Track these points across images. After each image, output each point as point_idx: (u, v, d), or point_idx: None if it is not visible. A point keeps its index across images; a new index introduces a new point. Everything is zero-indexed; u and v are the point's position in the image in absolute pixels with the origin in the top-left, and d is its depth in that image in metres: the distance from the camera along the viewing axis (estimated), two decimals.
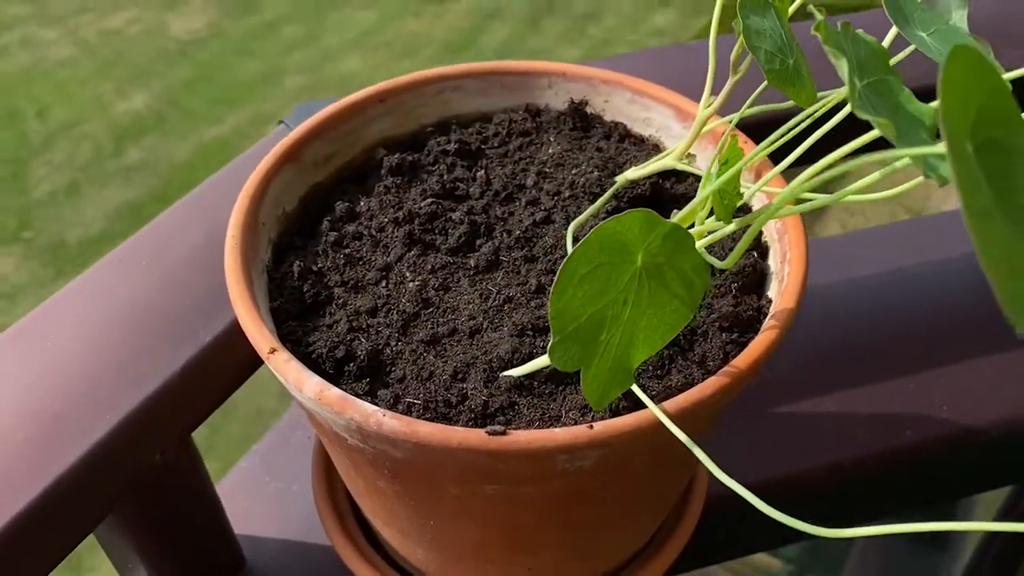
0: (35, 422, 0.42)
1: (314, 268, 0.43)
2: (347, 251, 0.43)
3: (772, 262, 0.42)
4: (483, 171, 0.47)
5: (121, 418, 0.42)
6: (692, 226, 0.37)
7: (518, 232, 0.44)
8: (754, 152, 0.34)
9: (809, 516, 0.61)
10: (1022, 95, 0.27)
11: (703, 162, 0.47)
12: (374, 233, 0.44)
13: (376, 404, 0.37)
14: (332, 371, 0.38)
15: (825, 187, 0.31)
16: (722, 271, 0.42)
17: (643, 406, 0.33)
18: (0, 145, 3.28)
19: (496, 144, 0.49)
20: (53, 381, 0.43)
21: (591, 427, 0.33)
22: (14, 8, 3.90)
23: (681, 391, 0.35)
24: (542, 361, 0.37)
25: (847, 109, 0.28)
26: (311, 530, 0.56)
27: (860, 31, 0.26)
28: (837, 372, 0.64)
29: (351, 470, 0.41)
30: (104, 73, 3.56)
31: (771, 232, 0.43)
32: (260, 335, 0.37)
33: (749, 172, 0.42)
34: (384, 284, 0.42)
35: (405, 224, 0.44)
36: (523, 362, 0.38)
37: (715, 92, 0.41)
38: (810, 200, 0.32)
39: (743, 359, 0.36)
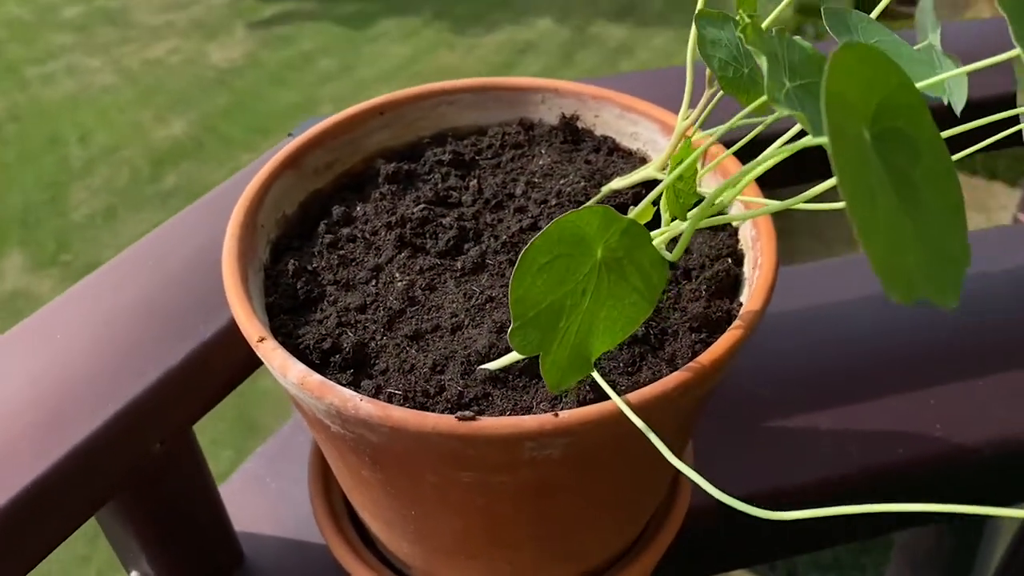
0: (40, 408, 0.44)
1: (309, 267, 0.45)
2: (341, 252, 0.46)
3: (746, 268, 0.44)
4: (476, 180, 0.49)
5: (121, 407, 0.44)
6: (659, 224, 0.39)
7: (504, 237, 0.45)
8: (703, 147, 0.36)
9: (796, 531, 0.63)
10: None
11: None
12: (368, 236, 0.46)
13: (358, 392, 0.39)
14: (319, 362, 0.40)
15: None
16: (696, 275, 0.43)
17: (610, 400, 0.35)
18: (42, 169, 3.37)
19: (490, 155, 0.51)
20: (58, 372, 0.46)
21: (556, 415, 0.35)
22: (61, 37, 4.03)
23: None
24: (517, 355, 0.38)
25: None
26: (310, 530, 0.58)
27: (798, 38, 0.28)
28: (833, 389, 0.65)
29: (338, 460, 0.43)
30: (144, 100, 3.65)
31: (746, 239, 0.44)
32: (250, 325, 0.39)
33: (716, 175, 0.44)
34: (374, 283, 0.44)
35: (397, 228, 0.46)
36: (500, 357, 0.39)
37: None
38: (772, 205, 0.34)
39: (707, 356, 0.37)
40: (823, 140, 0.22)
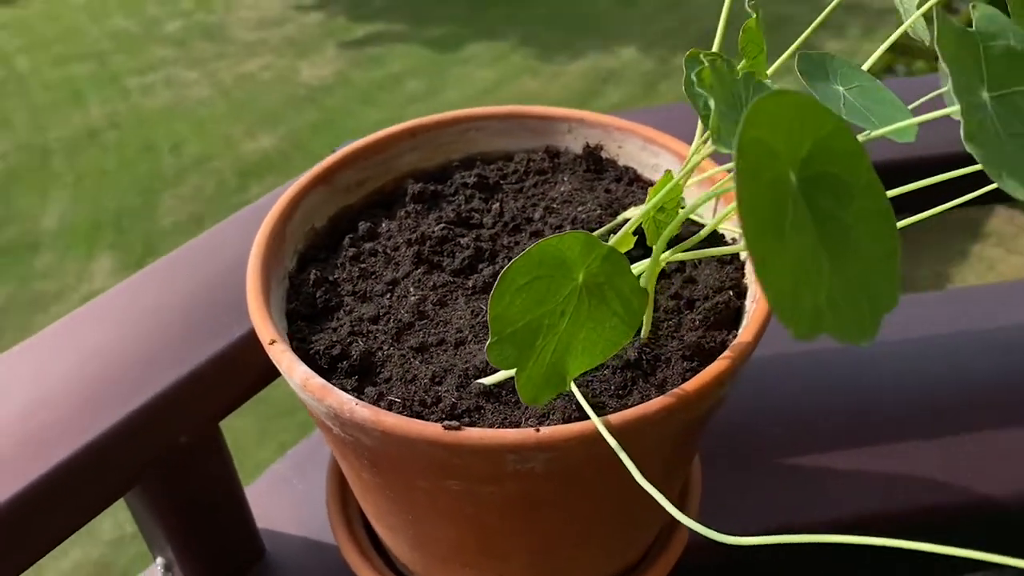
0: (83, 391, 0.47)
1: (330, 278, 0.47)
2: (362, 265, 0.48)
3: (747, 301, 0.45)
4: (498, 203, 0.51)
5: (151, 396, 0.47)
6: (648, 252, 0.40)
7: None
8: (675, 179, 0.37)
9: (800, 571, 0.62)
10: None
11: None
12: (388, 251, 0.49)
13: (361, 399, 0.41)
14: (326, 367, 0.43)
15: None
16: (699, 306, 0.44)
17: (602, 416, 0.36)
18: (137, 176, 3.51)
19: (514, 180, 0.53)
20: (102, 360, 0.49)
21: (538, 430, 0.36)
22: (162, 50, 4.20)
23: None
24: (510, 372, 0.40)
25: None
26: (329, 531, 0.60)
27: (768, 82, 0.29)
28: (854, 429, 0.65)
29: (343, 461, 0.46)
30: (236, 114, 3.79)
31: (750, 273, 0.45)
32: (264, 327, 0.41)
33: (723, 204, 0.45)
34: (388, 296, 0.46)
35: (416, 245, 0.48)
36: (496, 372, 0.41)
37: None
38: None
39: (692, 383, 0.38)
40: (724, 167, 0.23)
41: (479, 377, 0.41)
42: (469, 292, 0.46)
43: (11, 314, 2.84)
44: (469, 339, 0.43)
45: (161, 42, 4.29)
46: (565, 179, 0.53)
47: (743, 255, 0.47)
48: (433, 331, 0.44)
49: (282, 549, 0.60)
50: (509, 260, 0.47)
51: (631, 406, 0.40)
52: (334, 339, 0.44)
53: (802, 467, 0.62)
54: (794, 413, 0.65)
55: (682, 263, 0.48)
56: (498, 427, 0.39)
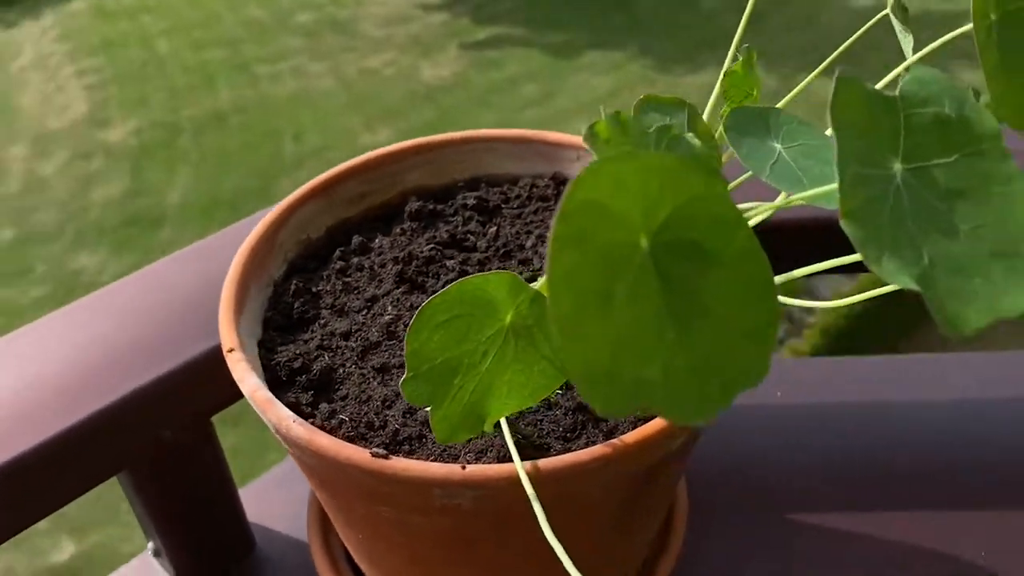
0: (72, 376, 0.49)
1: (313, 289, 0.48)
2: (347, 279, 0.48)
3: None
4: (495, 227, 0.51)
5: (131, 391, 0.48)
6: None
7: None
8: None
9: None
10: None
11: None
12: (375, 268, 0.49)
13: (314, 414, 0.41)
14: (285, 378, 0.43)
15: None
16: None
17: (538, 459, 0.35)
18: (257, 160, 3.64)
19: (515, 205, 0.52)
20: (98, 348, 0.51)
21: (464, 467, 0.36)
22: (292, 41, 4.35)
23: None
24: None
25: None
26: None
27: (690, 136, 0.28)
28: (873, 495, 0.61)
29: (303, 474, 0.46)
30: (357, 107, 3.89)
31: None
32: (227, 334, 0.42)
33: None
34: (365, 313, 0.46)
35: (402, 264, 0.48)
36: None
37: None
38: None
39: (632, 435, 0.37)
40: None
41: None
42: None
43: None
44: None
45: (292, 32, 4.44)
46: None
47: None
48: (399, 352, 0.44)
49: (272, 545, 0.61)
50: None
51: (574, 450, 0.39)
52: (300, 351, 0.44)
53: (823, 527, 0.59)
54: (819, 470, 0.62)
55: None
56: (435, 458, 0.39)
